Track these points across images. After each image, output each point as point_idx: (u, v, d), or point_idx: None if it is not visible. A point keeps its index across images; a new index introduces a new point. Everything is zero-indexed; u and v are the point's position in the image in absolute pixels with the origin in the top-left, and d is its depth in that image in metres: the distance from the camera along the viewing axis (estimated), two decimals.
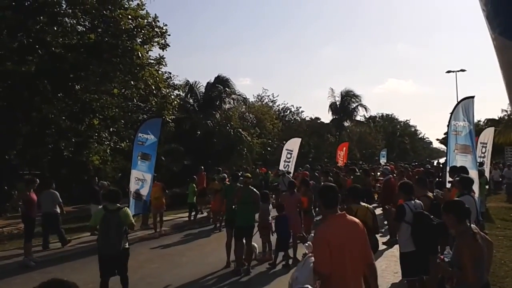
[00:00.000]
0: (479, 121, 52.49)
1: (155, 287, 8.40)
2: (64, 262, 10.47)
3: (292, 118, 45.81)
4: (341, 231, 3.86)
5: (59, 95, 17.12)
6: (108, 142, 19.37)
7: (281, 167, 21.41)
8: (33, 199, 10.47)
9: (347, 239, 3.83)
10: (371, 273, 4.04)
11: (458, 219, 4.35)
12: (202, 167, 19.92)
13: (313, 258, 3.95)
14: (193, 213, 16.00)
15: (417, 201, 6.42)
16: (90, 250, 11.84)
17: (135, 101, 20.35)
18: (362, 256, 3.94)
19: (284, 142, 25.13)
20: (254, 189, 9.69)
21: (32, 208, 10.43)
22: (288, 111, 45.48)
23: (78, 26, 17.73)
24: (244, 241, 9.30)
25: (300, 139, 25.09)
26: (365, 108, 50.26)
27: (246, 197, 9.37)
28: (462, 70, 39.12)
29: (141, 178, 13.52)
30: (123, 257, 7.25)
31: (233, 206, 9.56)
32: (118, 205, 7.31)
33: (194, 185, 16.43)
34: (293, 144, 23.07)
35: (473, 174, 10.62)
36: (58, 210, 11.79)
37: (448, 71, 38.99)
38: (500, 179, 25.42)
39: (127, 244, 7.33)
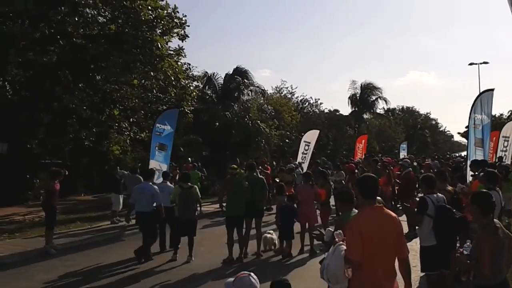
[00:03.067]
0: (501, 114, 51.59)
1: (172, 275, 8.49)
2: (84, 250, 10.64)
3: (311, 110, 45.48)
4: (375, 223, 3.87)
5: (80, 85, 17.32)
6: (128, 133, 19.54)
7: (299, 159, 21.33)
8: (56, 189, 10.61)
9: (380, 232, 3.83)
10: (404, 269, 4.04)
11: (482, 211, 4.29)
12: (190, 158, 19.68)
13: (343, 246, 3.97)
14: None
15: (440, 194, 6.32)
16: (109, 238, 12.06)
17: (155, 92, 20.45)
18: (396, 250, 3.94)
19: (303, 134, 25.00)
20: (243, 180, 9.85)
21: (54, 197, 10.58)
22: (307, 103, 45.17)
23: (99, 17, 17.89)
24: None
25: (318, 131, 24.93)
26: (385, 101, 49.75)
27: (236, 187, 9.48)
28: (485, 63, 38.36)
29: (158, 169, 13.64)
30: (194, 222, 9.70)
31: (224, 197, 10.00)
32: (189, 184, 9.78)
33: (198, 171, 16.29)
34: (311, 136, 22.93)
35: None
36: None
37: (471, 64, 38.26)
38: None
39: (196, 213, 10.03)
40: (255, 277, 3.66)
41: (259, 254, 9.80)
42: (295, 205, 10.18)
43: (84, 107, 17.20)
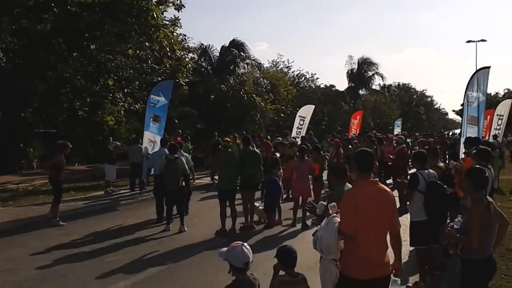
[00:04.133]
0: (497, 93, 51.62)
1: (165, 245, 8.58)
2: (78, 219, 10.72)
3: (307, 85, 45.39)
4: (370, 197, 3.91)
5: (74, 54, 17.11)
6: (122, 103, 19.43)
7: (293, 134, 21.38)
8: (64, 163, 10.49)
9: (375, 206, 3.87)
10: (396, 243, 4.11)
11: (475, 185, 4.37)
12: (180, 130, 18.90)
13: (337, 218, 4.03)
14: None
15: (431, 170, 6.38)
16: (103, 208, 12.13)
17: (150, 63, 20.27)
18: (389, 224, 3.99)
19: (298, 109, 24.98)
20: (235, 153, 10.00)
21: (61, 172, 10.43)
22: (303, 77, 45.06)
23: None
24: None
25: (313, 106, 24.95)
26: (382, 77, 49.60)
27: (229, 161, 9.53)
28: (483, 40, 38.25)
29: (152, 140, 13.66)
30: (181, 192, 9.88)
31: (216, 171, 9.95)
32: (175, 155, 9.83)
33: (188, 144, 16.22)
34: (306, 111, 22.96)
35: None
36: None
37: (468, 41, 38.07)
38: None
39: (183, 183, 9.91)
40: (248, 247, 3.75)
41: (252, 226, 9.91)
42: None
43: (78, 77, 17.03)
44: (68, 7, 16.25)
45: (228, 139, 10.68)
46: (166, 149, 10.88)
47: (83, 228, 9.80)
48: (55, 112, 17.72)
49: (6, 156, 18.09)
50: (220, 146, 11.50)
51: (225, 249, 3.79)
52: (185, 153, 11.12)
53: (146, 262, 7.58)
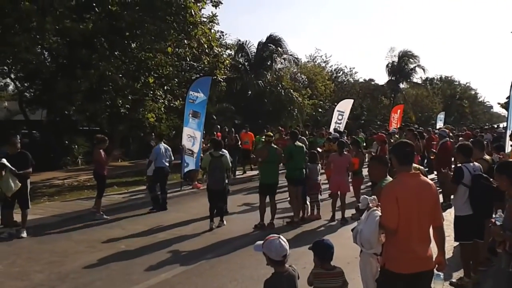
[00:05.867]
0: None
1: (206, 239, 8.68)
2: (121, 212, 10.99)
3: (345, 79, 44.79)
4: (412, 190, 3.81)
5: (115, 53, 17.47)
6: (162, 100, 19.72)
7: (331, 129, 21.15)
8: (104, 156, 10.63)
9: (416, 198, 3.77)
10: (439, 237, 4.00)
11: (511, 180, 4.22)
12: (219, 126, 18.57)
13: (377, 211, 3.93)
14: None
15: (476, 163, 6.17)
16: (145, 202, 12.36)
17: (188, 60, 20.48)
18: (432, 217, 3.88)
19: (336, 103, 24.72)
20: (278, 148, 9.99)
21: (104, 166, 10.60)
22: (341, 72, 44.46)
23: None
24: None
25: (352, 100, 24.67)
26: (423, 69, 48.18)
27: (271, 155, 9.55)
28: None
29: (192, 136, 13.79)
30: (224, 190, 9.90)
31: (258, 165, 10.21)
32: (221, 152, 9.55)
33: None
34: (345, 105, 22.69)
35: None
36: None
37: None
38: None
39: (227, 180, 9.96)
40: (284, 239, 3.73)
41: (304, 218, 10.00)
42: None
43: (120, 75, 17.40)
44: (109, 6, 16.59)
45: (271, 134, 10.73)
46: (161, 144, 11.68)
47: (126, 222, 10.07)
48: (98, 110, 18.15)
49: (51, 152, 18.72)
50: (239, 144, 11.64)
51: (260, 242, 3.78)
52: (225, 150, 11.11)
53: (187, 255, 7.69)
